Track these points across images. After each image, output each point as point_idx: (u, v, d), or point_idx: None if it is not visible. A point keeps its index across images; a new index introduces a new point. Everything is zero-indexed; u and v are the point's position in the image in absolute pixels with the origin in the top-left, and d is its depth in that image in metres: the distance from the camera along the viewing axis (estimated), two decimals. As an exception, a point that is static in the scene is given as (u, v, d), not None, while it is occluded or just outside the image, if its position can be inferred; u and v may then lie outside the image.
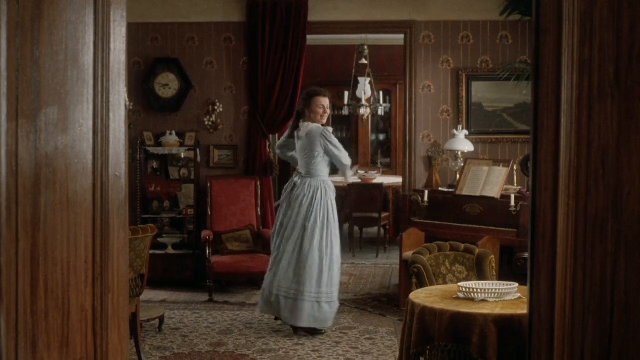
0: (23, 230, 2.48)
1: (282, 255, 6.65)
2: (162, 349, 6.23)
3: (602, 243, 2.78)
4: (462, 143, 8.01)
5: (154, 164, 8.94)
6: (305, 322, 6.56)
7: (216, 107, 8.76)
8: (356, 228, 10.87)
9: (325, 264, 6.58)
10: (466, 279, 5.16)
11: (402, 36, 8.68)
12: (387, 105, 12.61)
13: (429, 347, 4.29)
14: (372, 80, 11.00)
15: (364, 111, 10.98)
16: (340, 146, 6.84)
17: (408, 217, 7.83)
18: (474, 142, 8.22)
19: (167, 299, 8.00)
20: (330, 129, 6.89)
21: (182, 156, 8.85)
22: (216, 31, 8.79)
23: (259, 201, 8.66)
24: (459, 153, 8.02)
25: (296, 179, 6.83)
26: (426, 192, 7.71)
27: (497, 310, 4.22)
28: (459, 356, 4.17)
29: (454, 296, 4.50)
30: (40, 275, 2.54)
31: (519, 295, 4.50)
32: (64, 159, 2.62)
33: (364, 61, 11.00)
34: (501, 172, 7.38)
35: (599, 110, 2.77)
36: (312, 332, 6.64)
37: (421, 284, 5.01)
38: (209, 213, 8.56)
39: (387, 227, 10.97)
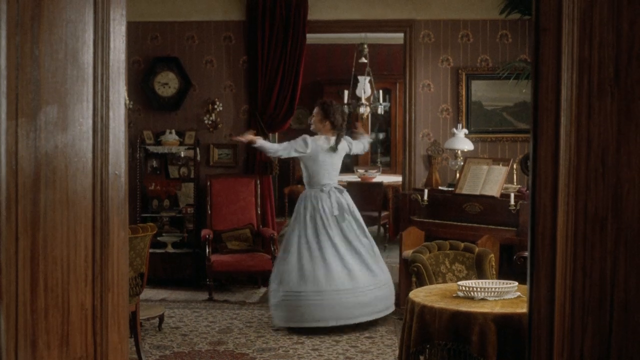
0: (23, 228, 2.48)
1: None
2: (162, 347, 6.23)
3: (601, 242, 2.78)
4: (462, 142, 8.01)
5: (153, 162, 8.94)
6: None
7: (216, 106, 8.76)
8: (356, 227, 10.84)
9: None
10: (466, 277, 5.16)
11: (401, 35, 8.68)
12: (387, 104, 12.61)
13: (428, 345, 4.30)
14: (372, 79, 11.00)
15: (364, 110, 10.98)
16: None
17: (408, 216, 7.83)
18: (474, 141, 8.22)
19: (167, 297, 8.00)
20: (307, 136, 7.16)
21: (182, 155, 8.85)
22: (216, 30, 8.79)
23: (259, 200, 8.66)
24: (459, 152, 8.02)
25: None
26: (426, 190, 7.70)
27: (497, 309, 4.22)
28: (458, 355, 4.17)
29: (454, 295, 4.50)
30: (40, 273, 2.54)
31: (518, 294, 4.50)
32: (63, 158, 2.62)
33: (363, 60, 11.00)
34: (501, 171, 7.38)
35: (598, 108, 2.77)
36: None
37: (421, 283, 5.01)
38: (209, 212, 8.56)
39: (387, 225, 10.97)
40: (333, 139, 7.11)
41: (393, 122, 13.15)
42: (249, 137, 7.13)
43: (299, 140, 7.04)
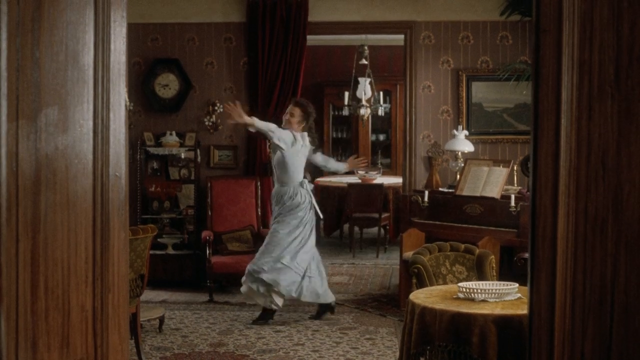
0: (23, 230, 2.48)
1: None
2: (162, 349, 6.23)
3: (602, 243, 2.78)
4: (462, 143, 8.01)
5: (154, 164, 8.94)
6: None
7: (216, 108, 8.77)
8: (356, 228, 10.87)
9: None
10: (466, 279, 5.16)
11: (402, 36, 8.68)
12: (387, 105, 12.61)
13: (429, 347, 4.30)
14: (372, 81, 11.00)
15: (364, 111, 10.98)
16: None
17: (408, 217, 7.83)
18: (474, 143, 8.22)
19: (167, 299, 8.00)
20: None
21: (182, 156, 8.85)
22: (216, 31, 8.79)
23: (259, 201, 8.66)
24: (459, 153, 8.01)
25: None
26: (426, 192, 7.70)
27: (497, 310, 4.22)
28: (459, 356, 4.17)
29: (454, 296, 4.50)
30: (40, 275, 2.54)
31: (519, 295, 4.50)
32: (64, 160, 2.62)
33: (364, 61, 11.00)
34: (501, 172, 7.38)
35: (599, 110, 2.77)
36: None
37: (421, 284, 5.01)
38: (209, 213, 8.56)
39: (387, 227, 10.97)
40: (299, 134, 7.13)
41: (393, 123, 13.15)
42: (246, 118, 6.96)
43: (288, 133, 7.07)
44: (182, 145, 8.69)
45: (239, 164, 8.85)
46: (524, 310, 4.04)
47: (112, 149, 2.78)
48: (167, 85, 8.78)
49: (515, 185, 7.73)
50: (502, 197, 7.23)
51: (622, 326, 2.77)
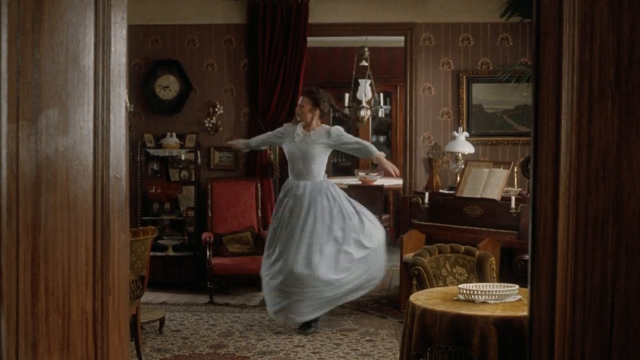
0: (24, 232, 2.48)
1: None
2: (163, 350, 6.22)
3: (602, 245, 2.78)
4: (463, 145, 8.01)
5: (154, 165, 8.94)
6: None
7: (217, 109, 8.77)
8: (357, 230, 10.84)
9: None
10: (466, 280, 5.15)
11: (402, 38, 8.69)
12: (388, 107, 12.61)
13: (429, 349, 4.29)
14: (373, 82, 11.00)
15: (365, 113, 10.98)
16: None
17: (408, 219, 7.83)
18: (475, 144, 8.22)
19: (168, 301, 8.00)
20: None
21: (183, 158, 8.85)
22: (217, 33, 8.80)
23: (260, 203, 8.66)
24: (460, 155, 8.01)
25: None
26: (427, 194, 7.70)
27: (498, 312, 4.21)
28: (459, 358, 4.17)
29: (455, 298, 4.49)
30: (40, 277, 2.54)
31: (519, 297, 4.49)
32: (64, 161, 2.62)
33: (364, 63, 11.01)
34: (501, 173, 7.38)
35: (599, 112, 2.77)
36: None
37: (422, 286, 5.00)
38: (210, 215, 8.56)
39: (388, 229, 10.96)
40: (321, 127, 6.83)
41: (394, 125, 13.15)
42: (236, 144, 7.51)
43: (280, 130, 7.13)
44: (182, 146, 8.70)
45: (239, 165, 8.86)
46: (524, 311, 4.04)
47: (112, 150, 2.78)
48: (168, 86, 8.79)
49: (516, 186, 7.73)
50: (503, 198, 7.23)
51: (622, 327, 2.77)
